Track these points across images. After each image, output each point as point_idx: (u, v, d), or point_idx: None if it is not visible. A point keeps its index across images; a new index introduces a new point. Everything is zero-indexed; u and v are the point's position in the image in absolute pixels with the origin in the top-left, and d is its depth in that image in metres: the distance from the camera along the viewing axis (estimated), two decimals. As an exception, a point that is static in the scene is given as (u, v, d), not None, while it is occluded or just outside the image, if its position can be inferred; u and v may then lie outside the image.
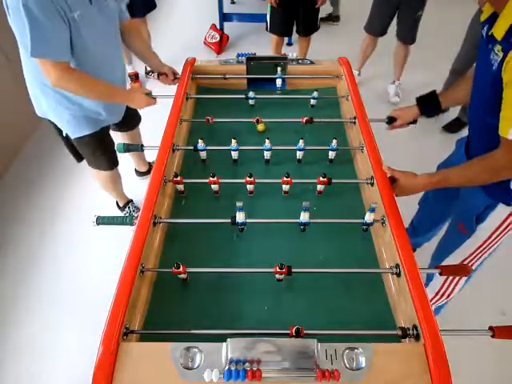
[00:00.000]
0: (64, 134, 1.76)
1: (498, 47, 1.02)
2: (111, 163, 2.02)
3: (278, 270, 1.04)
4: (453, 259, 1.56)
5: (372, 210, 1.17)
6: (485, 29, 1.15)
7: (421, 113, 1.54)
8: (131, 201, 2.44)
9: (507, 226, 1.36)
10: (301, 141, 1.43)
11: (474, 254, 1.49)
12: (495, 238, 1.41)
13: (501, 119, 1.03)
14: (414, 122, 1.59)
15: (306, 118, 1.57)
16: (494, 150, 1.10)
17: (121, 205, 2.43)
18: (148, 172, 2.64)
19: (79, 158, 1.98)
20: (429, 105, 1.51)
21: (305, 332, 0.92)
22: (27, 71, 1.56)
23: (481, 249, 1.46)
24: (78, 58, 1.48)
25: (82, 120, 1.69)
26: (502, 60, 0.99)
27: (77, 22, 1.38)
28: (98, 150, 1.87)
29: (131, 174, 2.65)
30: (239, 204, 1.14)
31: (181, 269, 1.04)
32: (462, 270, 1.15)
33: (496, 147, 1.09)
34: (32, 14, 1.25)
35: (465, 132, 2.65)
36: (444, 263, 1.68)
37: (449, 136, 2.93)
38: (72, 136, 1.75)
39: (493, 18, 1.08)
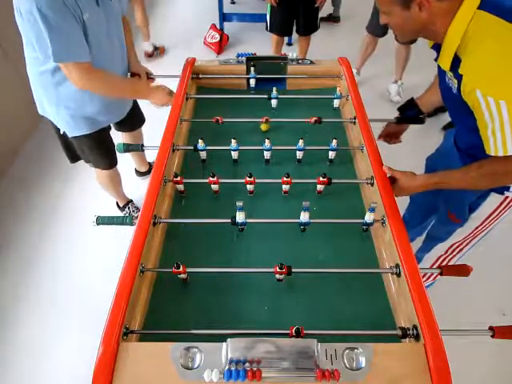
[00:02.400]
0: (61, 132, 1.77)
1: (449, 73, 1.09)
2: (109, 163, 2.01)
3: (278, 270, 1.04)
4: (442, 247, 1.65)
5: (372, 210, 1.17)
6: (435, 54, 1.20)
7: (404, 121, 1.60)
8: (131, 201, 2.44)
9: (498, 214, 1.39)
10: (300, 141, 1.43)
11: (466, 239, 1.56)
12: (486, 225, 1.46)
13: (483, 139, 1.05)
14: (422, 121, 1.60)
15: (314, 118, 1.57)
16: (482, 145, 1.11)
17: (121, 205, 2.43)
18: (148, 172, 2.64)
19: (73, 158, 1.98)
20: (410, 112, 1.57)
21: (305, 332, 0.92)
22: (30, 70, 1.56)
23: (472, 234, 1.52)
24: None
25: (80, 120, 1.69)
26: (459, 87, 1.04)
27: (86, 24, 1.38)
28: (95, 149, 1.87)
29: (131, 174, 2.65)
30: (239, 204, 1.14)
31: (181, 269, 1.04)
32: (463, 270, 1.15)
33: (477, 139, 1.11)
34: (48, 19, 1.25)
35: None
36: (433, 251, 1.75)
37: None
38: (70, 134, 1.76)
39: (437, 46, 1.12)
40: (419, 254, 1.89)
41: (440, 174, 1.22)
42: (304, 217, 1.18)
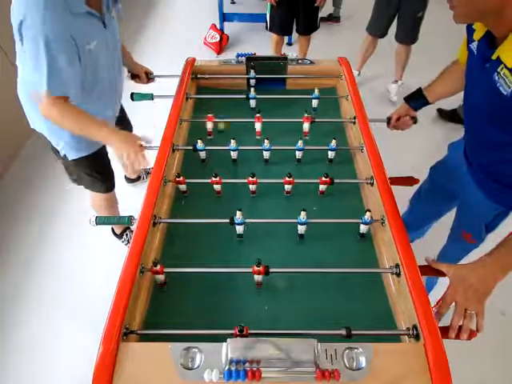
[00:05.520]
0: (62, 155, 1.64)
1: (505, 71, 0.96)
2: (107, 185, 1.89)
3: (256, 268, 1.03)
4: None
5: (366, 222, 1.19)
6: (474, 45, 1.10)
7: (410, 107, 1.54)
8: (128, 228, 2.28)
9: None
10: (300, 141, 1.43)
11: None
12: None
13: None
14: (415, 121, 1.59)
15: (308, 119, 1.56)
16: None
17: (117, 232, 2.28)
18: (138, 179, 2.57)
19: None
20: (417, 101, 1.52)
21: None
22: (22, 87, 1.49)
23: None
24: (88, 83, 1.41)
25: (81, 139, 1.54)
26: None
27: (93, 52, 1.33)
28: (95, 171, 1.76)
29: (121, 180, 2.54)
30: (239, 214, 1.16)
31: (158, 267, 1.04)
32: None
33: (500, 157, 1.05)
34: (51, 54, 1.19)
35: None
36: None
37: (449, 136, 2.94)
38: (70, 158, 1.64)
39: (489, 38, 1.04)
40: (432, 279, 1.73)
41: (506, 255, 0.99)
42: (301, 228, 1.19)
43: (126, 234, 2.29)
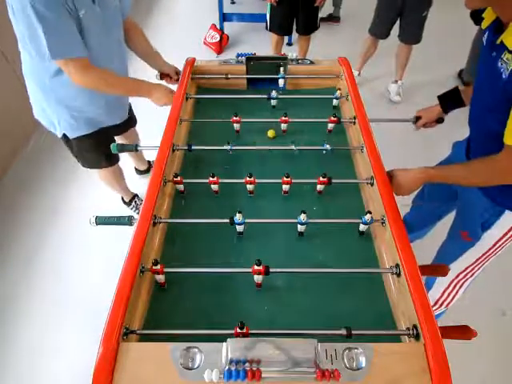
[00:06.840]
0: (60, 135, 1.74)
1: (507, 56, 0.99)
2: (111, 160, 1.99)
3: (256, 268, 1.04)
4: (456, 267, 1.53)
5: (366, 223, 1.19)
6: (485, 36, 1.12)
7: (444, 111, 1.51)
8: (136, 195, 2.44)
9: None
10: (292, 146, 1.45)
11: (478, 262, 1.46)
12: (500, 246, 1.38)
13: (507, 128, 1.01)
14: (441, 120, 1.58)
15: (332, 119, 1.56)
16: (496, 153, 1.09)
17: (126, 200, 2.43)
18: (148, 170, 2.64)
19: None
20: (451, 102, 1.49)
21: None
22: (26, 71, 1.55)
23: (485, 256, 1.43)
24: None
25: (80, 121, 1.68)
26: None
27: (82, 21, 1.37)
28: (97, 150, 1.85)
29: (131, 172, 2.64)
30: (239, 216, 1.16)
31: (158, 267, 1.05)
32: (440, 270, 1.13)
33: (498, 151, 1.08)
34: (41, 15, 1.23)
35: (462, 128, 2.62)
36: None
37: (449, 137, 2.93)
38: (71, 136, 1.74)
39: (496, 25, 1.05)
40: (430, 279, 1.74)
41: (439, 167, 1.17)
42: (301, 226, 1.19)
43: (135, 202, 2.40)
